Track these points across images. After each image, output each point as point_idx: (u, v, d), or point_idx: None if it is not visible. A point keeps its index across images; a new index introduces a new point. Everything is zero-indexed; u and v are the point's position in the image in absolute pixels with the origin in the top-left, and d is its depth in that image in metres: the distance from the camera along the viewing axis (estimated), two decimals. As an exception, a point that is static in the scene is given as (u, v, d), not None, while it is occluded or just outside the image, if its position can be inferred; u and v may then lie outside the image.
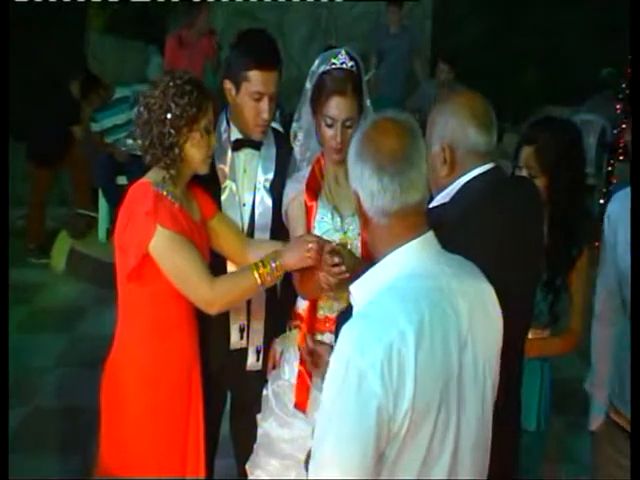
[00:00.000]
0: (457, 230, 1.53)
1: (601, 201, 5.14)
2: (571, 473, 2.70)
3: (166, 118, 1.88)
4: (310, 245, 1.91)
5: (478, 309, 1.35)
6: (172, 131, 1.88)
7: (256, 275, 1.91)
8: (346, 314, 1.67)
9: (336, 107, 1.99)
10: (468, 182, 1.67)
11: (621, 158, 5.17)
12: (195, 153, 1.94)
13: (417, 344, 1.23)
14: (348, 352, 1.24)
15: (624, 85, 5.14)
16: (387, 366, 1.21)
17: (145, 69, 6.81)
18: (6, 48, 2.10)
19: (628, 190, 1.92)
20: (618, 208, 1.90)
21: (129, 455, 2.00)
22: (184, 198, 1.99)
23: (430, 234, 1.35)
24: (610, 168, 5.36)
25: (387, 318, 1.25)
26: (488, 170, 1.70)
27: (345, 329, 1.27)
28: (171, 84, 1.90)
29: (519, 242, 1.70)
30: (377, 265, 1.34)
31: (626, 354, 1.85)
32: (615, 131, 5.38)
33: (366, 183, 1.30)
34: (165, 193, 1.91)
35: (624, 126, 5.01)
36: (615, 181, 5.20)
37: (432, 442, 1.27)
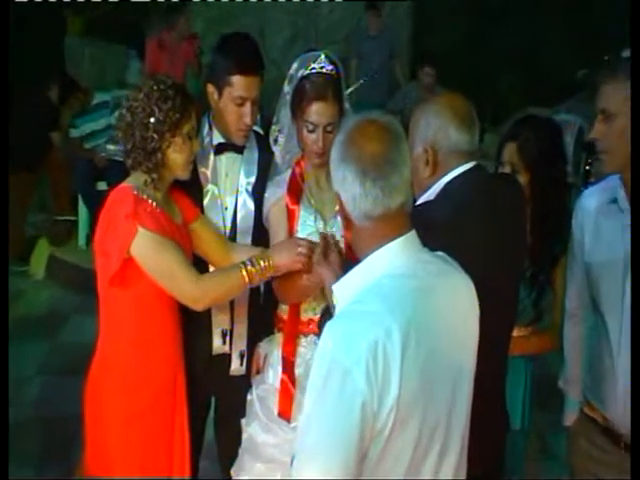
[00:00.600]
0: (442, 229, 1.54)
1: (579, 199, 5.18)
2: (553, 471, 2.72)
3: (149, 122, 1.88)
4: (300, 249, 1.91)
5: (461, 307, 1.37)
6: (155, 135, 1.88)
7: (244, 273, 1.91)
8: (328, 314, 1.68)
9: (317, 113, 1.98)
10: (451, 181, 1.68)
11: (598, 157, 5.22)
12: (177, 158, 1.94)
13: (403, 341, 1.23)
14: (332, 349, 1.24)
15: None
16: (372, 363, 1.21)
17: (124, 74, 6.78)
18: (6, 48, 2.08)
19: (595, 188, 1.96)
20: (585, 205, 1.92)
21: (114, 462, 1.98)
22: (165, 202, 1.99)
23: (412, 234, 1.36)
24: (587, 167, 5.41)
25: (372, 315, 1.25)
26: (470, 168, 1.72)
27: (328, 326, 1.27)
28: (155, 88, 1.90)
29: (503, 239, 1.72)
30: (360, 265, 1.34)
31: (597, 350, 1.88)
32: (593, 130, 5.43)
33: (349, 187, 1.30)
34: (145, 197, 1.91)
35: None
36: (593, 179, 5.25)
37: (420, 439, 1.27)
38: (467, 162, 1.73)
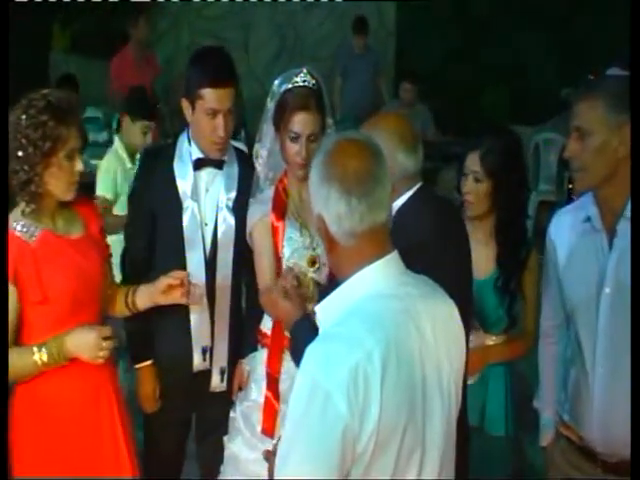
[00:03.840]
0: (405, 254, 1.55)
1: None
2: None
3: (18, 156, 1.77)
4: (163, 283, 1.96)
5: (442, 329, 1.36)
6: (25, 167, 1.77)
7: (36, 358, 1.80)
8: (300, 325, 1.71)
9: (300, 122, 2.02)
10: (403, 205, 1.73)
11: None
12: (55, 185, 1.83)
13: (383, 365, 1.23)
14: (313, 373, 1.24)
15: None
16: (353, 387, 1.20)
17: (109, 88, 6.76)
18: (6, 49, 2.07)
19: (569, 207, 1.99)
20: (556, 226, 1.94)
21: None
22: (59, 218, 1.90)
23: (395, 254, 1.35)
24: (571, 185, 5.47)
25: (353, 339, 1.25)
26: (419, 190, 1.79)
27: (310, 350, 1.27)
28: (23, 116, 1.77)
29: (454, 252, 1.78)
30: (342, 285, 1.34)
31: (572, 369, 1.89)
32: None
33: (333, 205, 1.29)
34: (18, 231, 1.81)
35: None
36: (575, 198, 5.30)
37: (398, 462, 1.26)
38: (415, 184, 1.79)
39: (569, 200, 5.47)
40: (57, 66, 6.57)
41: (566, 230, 1.89)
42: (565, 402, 1.91)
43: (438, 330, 1.34)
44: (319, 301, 1.41)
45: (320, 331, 1.36)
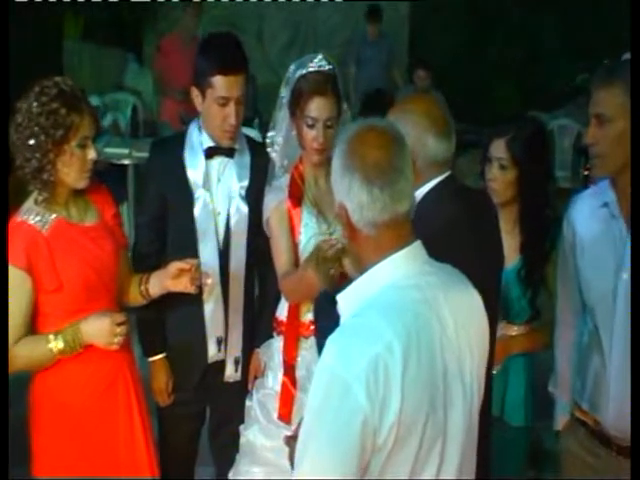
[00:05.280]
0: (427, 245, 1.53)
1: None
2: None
3: (29, 144, 1.76)
4: (174, 267, 1.95)
5: (465, 319, 1.34)
6: (37, 155, 1.76)
7: (51, 346, 1.80)
8: (324, 296, 1.69)
9: (317, 107, 2.00)
10: (428, 193, 1.68)
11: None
12: (68, 173, 1.82)
13: (404, 357, 1.21)
14: (332, 364, 1.22)
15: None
16: (373, 378, 1.19)
17: (122, 77, 6.77)
18: (6, 47, 2.07)
19: (586, 192, 1.95)
20: (576, 210, 1.92)
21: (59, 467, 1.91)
22: (72, 206, 1.89)
23: (417, 243, 1.34)
24: (587, 172, 5.42)
25: (373, 330, 1.24)
26: (445, 179, 1.73)
27: (329, 342, 1.25)
28: (35, 104, 1.76)
29: (483, 248, 1.73)
30: (363, 276, 1.32)
31: (588, 353, 1.87)
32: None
33: (355, 195, 1.28)
34: (32, 220, 1.80)
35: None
36: (591, 184, 5.26)
37: (419, 455, 1.25)
38: (443, 172, 1.74)
39: (585, 187, 5.43)
40: (70, 54, 6.57)
41: (584, 216, 1.87)
42: (582, 389, 1.90)
43: (460, 320, 1.32)
44: (340, 291, 1.40)
45: (341, 320, 1.35)
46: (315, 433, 1.23)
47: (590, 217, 1.85)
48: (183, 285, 2.00)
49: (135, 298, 2.08)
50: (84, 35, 6.69)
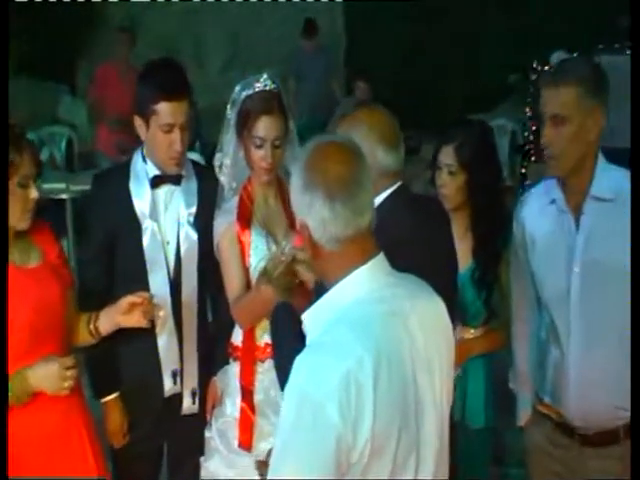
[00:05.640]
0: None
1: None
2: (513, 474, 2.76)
3: None
4: (125, 301, 1.91)
5: (432, 328, 1.34)
6: None
7: None
8: (280, 309, 1.69)
9: (264, 127, 2.00)
10: (381, 204, 1.68)
11: (533, 159, 5.38)
12: (9, 214, 1.75)
13: (375, 370, 1.20)
14: (302, 384, 1.21)
15: (532, 89, 5.37)
16: (345, 396, 1.17)
17: (56, 110, 6.65)
18: (6, 49, 1.99)
19: (534, 191, 1.98)
20: (524, 208, 1.96)
21: None
22: (14, 248, 1.82)
23: (381, 256, 1.33)
24: (524, 170, 5.56)
25: (342, 346, 1.22)
26: (398, 189, 1.75)
27: (298, 361, 1.23)
28: None
29: (432, 253, 1.74)
30: (329, 293, 1.31)
31: (546, 346, 1.91)
32: (526, 133, 5.60)
33: (317, 212, 1.26)
34: None
35: (534, 128, 5.22)
36: (529, 182, 5.39)
37: (394, 467, 1.24)
38: (395, 182, 1.75)
39: (522, 185, 5.56)
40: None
41: (533, 213, 1.91)
42: (542, 382, 1.93)
43: (427, 329, 1.32)
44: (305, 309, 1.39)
45: (307, 341, 1.33)
46: (288, 454, 1.21)
47: (539, 214, 1.89)
48: (135, 320, 1.95)
49: (84, 338, 2.01)
50: (17, 68, 6.55)
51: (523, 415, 2.06)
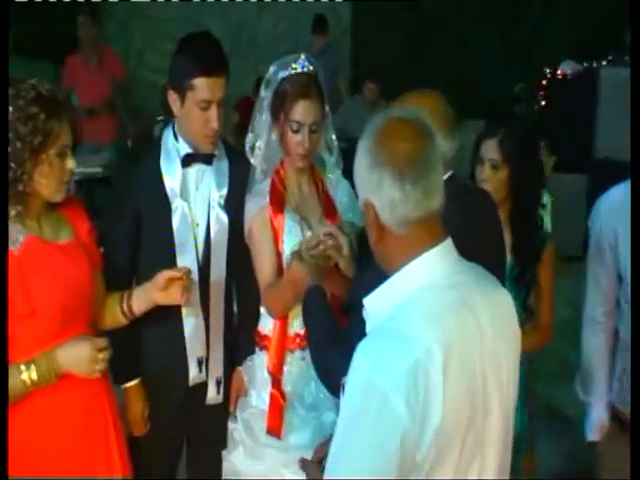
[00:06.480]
0: None
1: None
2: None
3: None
4: (163, 277, 1.82)
5: (499, 320, 1.27)
6: (13, 165, 1.60)
7: (24, 377, 1.62)
8: (313, 292, 1.68)
9: (302, 111, 1.92)
10: None
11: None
12: (45, 185, 1.66)
13: (445, 362, 1.12)
14: (367, 372, 1.13)
15: (539, 98, 5.38)
16: (413, 387, 1.10)
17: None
18: (5, 47, 1.89)
19: (621, 187, 1.92)
20: (613, 205, 1.90)
21: None
22: (45, 222, 1.73)
23: (449, 241, 1.25)
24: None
25: (410, 334, 1.14)
26: (449, 178, 1.69)
27: (362, 347, 1.15)
28: (11, 108, 1.59)
29: (483, 244, 1.66)
30: (394, 277, 1.23)
31: (624, 354, 1.83)
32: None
33: (386, 192, 1.19)
34: None
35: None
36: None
37: (458, 468, 1.16)
38: (447, 171, 1.68)
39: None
40: (-2, 67, 6.26)
41: (623, 209, 1.84)
42: (620, 390, 1.86)
43: (496, 323, 1.24)
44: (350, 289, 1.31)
45: (368, 327, 1.25)
46: (349, 448, 1.13)
47: (622, 208, 1.82)
48: (172, 297, 1.85)
49: (115, 319, 1.90)
50: (13, 47, 6.39)
51: (598, 428, 1.95)
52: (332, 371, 1.57)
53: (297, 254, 1.79)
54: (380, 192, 1.20)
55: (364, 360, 1.14)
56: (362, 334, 1.25)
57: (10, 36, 6.65)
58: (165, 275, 1.84)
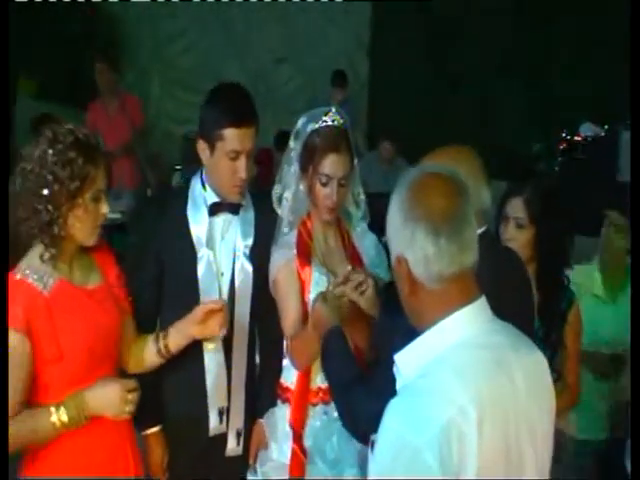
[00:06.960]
0: None
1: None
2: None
3: (42, 194, 1.60)
4: (201, 310, 1.83)
5: (533, 382, 1.25)
6: (50, 207, 1.61)
7: (54, 420, 1.61)
8: (334, 333, 1.68)
9: (332, 165, 1.93)
10: None
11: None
12: (79, 228, 1.67)
13: (479, 422, 1.11)
14: (399, 429, 1.11)
15: (559, 158, 5.41)
16: (446, 446, 1.08)
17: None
18: (6, 48, 1.92)
19: None
20: None
21: None
22: (76, 266, 1.73)
23: (483, 299, 1.25)
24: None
25: (443, 392, 1.13)
26: (484, 232, 1.68)
27: (393, 405, 1.14)
28: (50, 151, 1.59)
29: (514, 301, 1.65)
30: (427, 333, 1.22)
31: None
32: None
33: (419, 247, 1.19)
34: (31, 279, 1.61)
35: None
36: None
37: None
38: (483, 225, 1.69)
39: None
40: (24, 112, 6.39)
41: None
42: None
43: (530, 384, 1.23)
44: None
45: (399, 383, 1.24)
46: None
47: None
48: (211, 329, 1.85)
49: (149, 360, 1.89)
50: (39, 93, 6.54)
51: None
52: (357, 412, 1.55)
53: (322, 295, 1.81)
54: (413, 247, 1.20)
55: (396, 417, 1.13)
56: (388, 382, 1.24)
57: (35, 81, 6.81)
58: (204, 308, 1.84)
